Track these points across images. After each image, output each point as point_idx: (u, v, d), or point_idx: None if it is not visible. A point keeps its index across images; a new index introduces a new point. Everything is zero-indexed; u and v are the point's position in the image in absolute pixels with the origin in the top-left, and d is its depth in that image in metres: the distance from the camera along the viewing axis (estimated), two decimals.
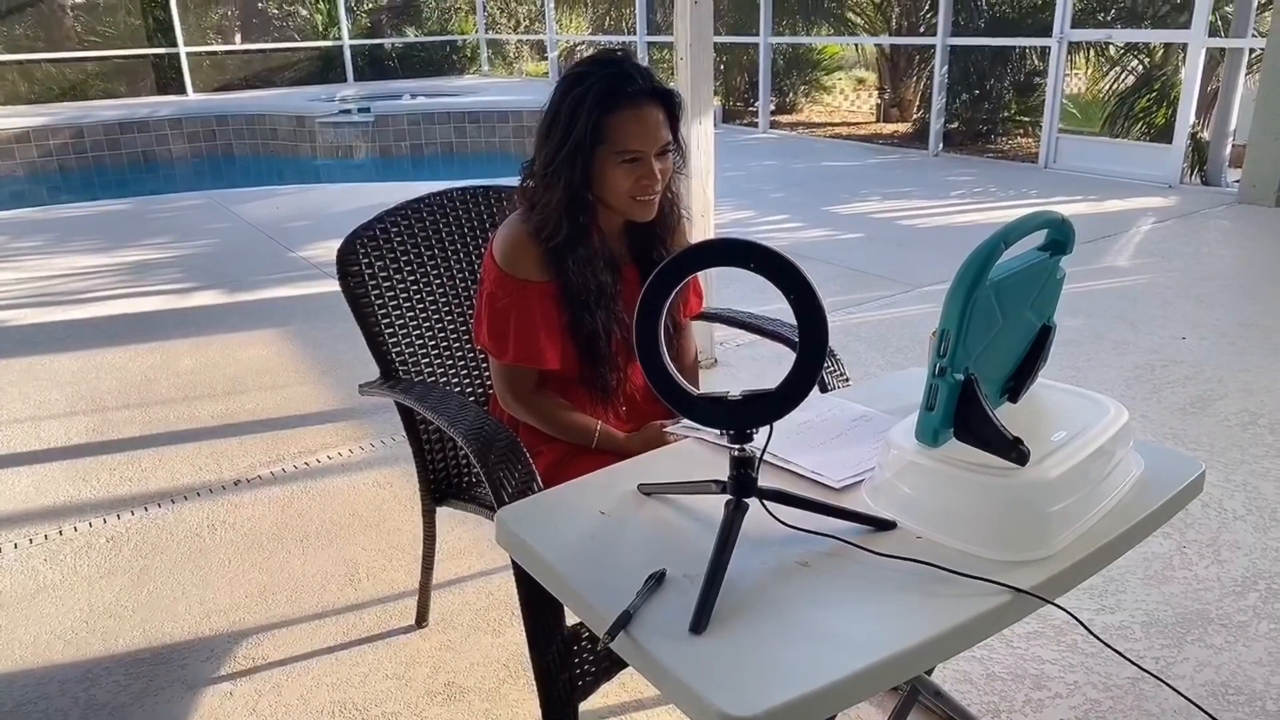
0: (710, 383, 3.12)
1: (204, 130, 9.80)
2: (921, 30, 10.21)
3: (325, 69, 13.19)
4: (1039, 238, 1.07)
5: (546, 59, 13.56)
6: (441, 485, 1.77)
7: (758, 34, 9.43)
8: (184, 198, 6.85)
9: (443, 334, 1.74)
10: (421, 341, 1.71)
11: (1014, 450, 0.95)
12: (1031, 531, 0.97)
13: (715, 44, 3.23)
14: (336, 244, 1.65)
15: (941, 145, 8.07)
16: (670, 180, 1.50)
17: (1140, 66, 8.82)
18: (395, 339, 1.67)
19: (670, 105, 1.44)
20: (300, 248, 5.14)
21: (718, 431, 0.98)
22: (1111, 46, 8.78)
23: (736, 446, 0.96)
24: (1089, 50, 8.89)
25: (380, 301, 1.66)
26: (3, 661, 1.87)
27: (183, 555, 2.23)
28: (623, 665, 1.28)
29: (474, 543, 2.22)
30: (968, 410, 0.96)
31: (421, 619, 1.94)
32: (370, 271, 1.65)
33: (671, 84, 1.62)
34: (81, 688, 1.79)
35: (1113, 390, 3.00)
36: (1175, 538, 2.17)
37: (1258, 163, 5.67)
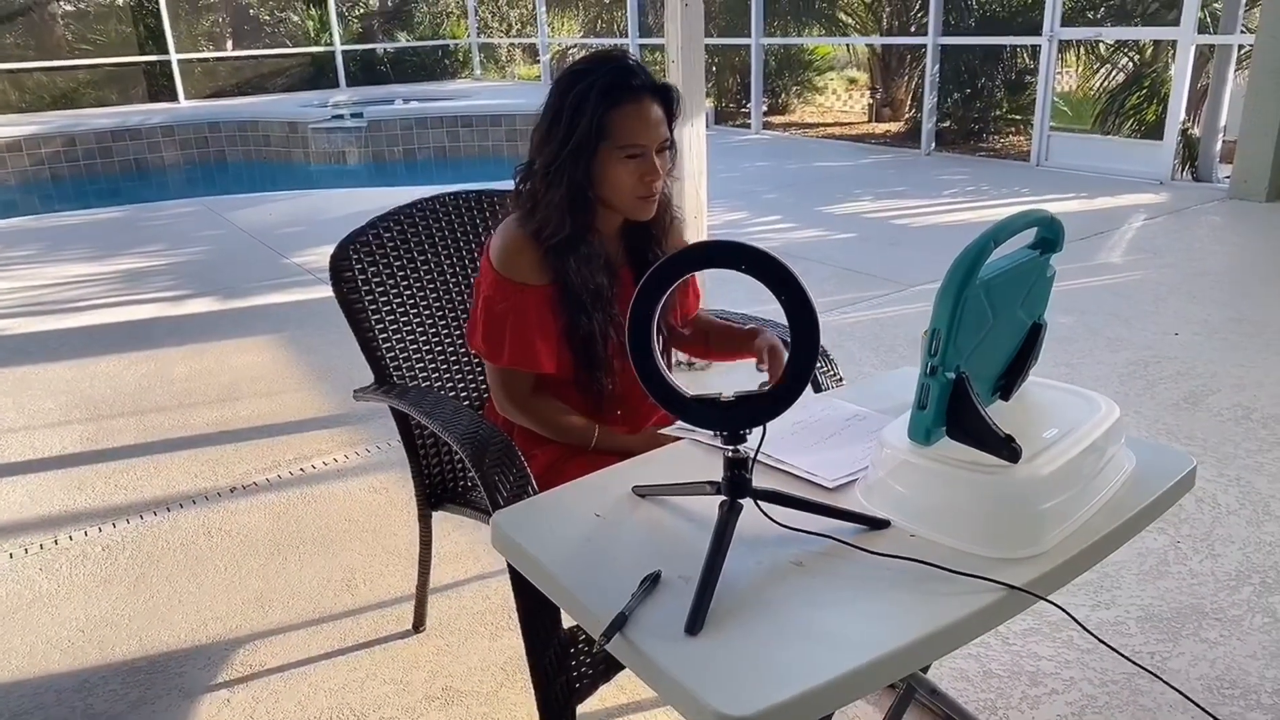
0: (701, 383, 3.12)
1: (196, 137, 9.79)
2: (912, 30, 10.23)
3: (317, 75, 13.19)
4: (1029, 236, 1.07)
5: (539, 62, 13.57)
6: (437, 490, 1.77)
7: (749, 35, 9.44)
8: (177, 205, 6.84)
9: (437, 339, 1.74)
10: (416, 346, 1.71)
11: (1006, 448, 0.95)
12: (1024, 528, 0.97)
13: (707, 46, 3.24)
14: (330, 250, 1.65)
15: (934, 144, 8.09)
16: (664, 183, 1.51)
17: (1130, 64, 8.85)
18: (389, 344, 1.68)
19: (669, 102, 1.45)
20: (294, 254, 5.14)
21: (711, 433, 0.98)
22: (1102, 44, 8.80)
23: (730, 447, 0.97)
24: (1079, 48, 8.92)
25: (374, 307, 1.66)
26: None
27: (179, 563, 2.22)
28: (620, 667, 1.29)
29: (470, 547, 2.22)
30: (960, 408, 0.96)
31: (418, 624, 1.94)
32: (364, 277, 1.65)
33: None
34: (78, 697, 1.78)
35: (1106, 387, 3.01)
36: (1170, 533, 2.18)
37: (1248, 158, 5.69)
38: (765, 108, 10.15)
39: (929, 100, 7.99)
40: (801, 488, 1.11)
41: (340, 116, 9.82)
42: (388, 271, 1.68)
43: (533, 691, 1.24)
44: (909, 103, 10.53)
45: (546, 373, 1.51)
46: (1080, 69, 9.55)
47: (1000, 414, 1.00)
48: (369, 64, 13.72)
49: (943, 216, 5.76)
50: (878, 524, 1.02)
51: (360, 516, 2.41)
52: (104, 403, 3.19)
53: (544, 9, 12.88)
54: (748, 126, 9.83)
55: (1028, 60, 9.13)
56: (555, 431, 1.53)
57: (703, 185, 3.10)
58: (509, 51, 15.10)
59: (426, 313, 1.73)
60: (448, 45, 14.55)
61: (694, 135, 3.01)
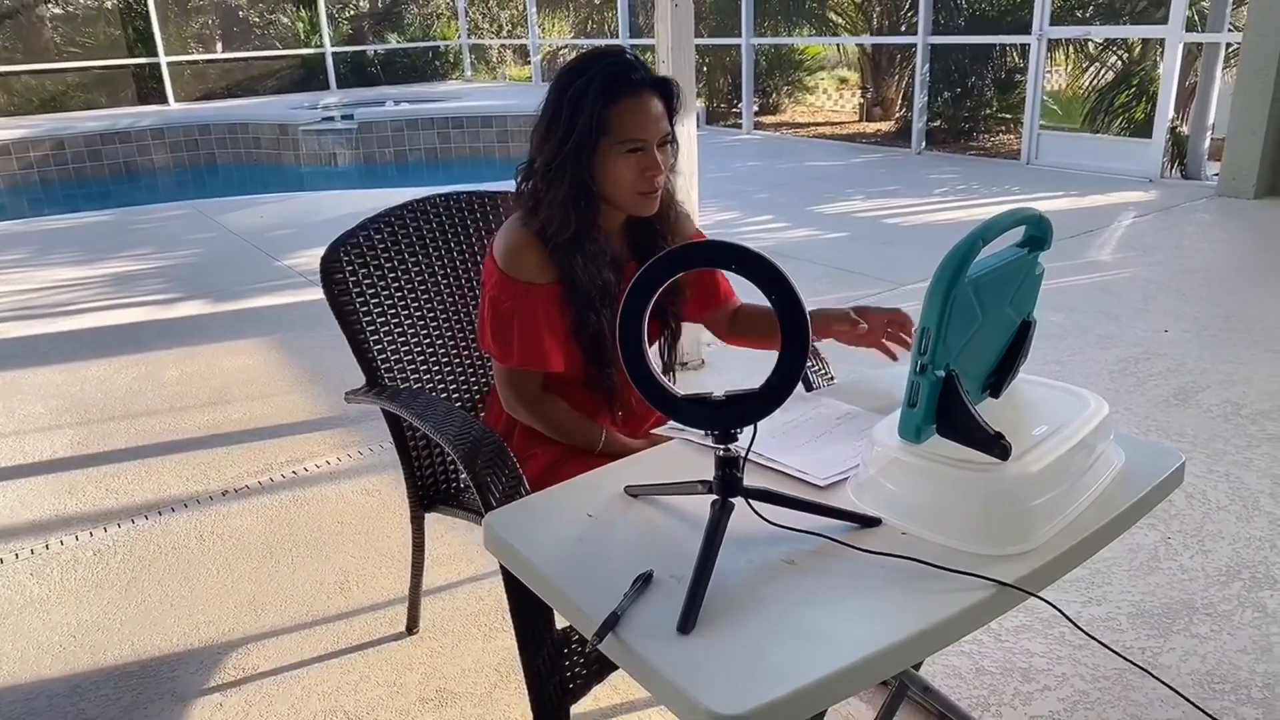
0: (696, 383, 3.13)
1: (186, 140, 9.76)
2: (902, 29, 10.26)
3: (307, 77, 13.16)
4: (1018, 234, 1.08)
5: (529, 63, 13.56)
6: (429, 491, 1.76)
7: (740, 35, 9.46)
8: (167, 208, 6.81)
9: (428, 340, 1.74)
10: (407, 348, 1.71)
11: (996, 445, 0.95)
12: (1014, 525, 0.98)
13: (697, 46, 3.24)
14: (321, 252, 1.65)
15: (924, 143, 8.12)
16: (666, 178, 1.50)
17: (1119, 62, 8.89)
18: (380, 346, 1.67)
19: (669, 97, 1.44)
20: (285, 256, 5.13)
21: (703, 432, 0.98)
22: (1090, 43, 8.84)
23: (721, 446, 0.97)
24: (1068, 46, 8.96)
25: (365, 309, 1.66)
26: None
27: (171, 567, 2.22)
28: (613, 667, 1.29)
29: (463, 548, 2.22)
30: (949, 406, 0.97)
31: (412, 626, 1.94)
32: (355, 279, 1.65)
33: None
34: (70, 702, 1.78)
35: (1096, 384, 3.03)
36: (1160, 529, 2.19)
37: (1236, 156, 5.72)
38: (756, 108, 10.16)
39: (919, 99, 8.01)
40: (793, 486, 1.11)
41: (331, 118, 9.80)
42: (379, 273, 1.68)
43: (526, 692, 1.24)
44: (899, 102, 10.56)
45: (556, 371, 1.50)
46: (1069, 67, 9.60)
47: (990, 411, 1.00)
48: (359, 66, 13.69)
49: (933, 215, 5.77)
50: (869, 522, 1.03)
51: (353, 519, 2.40)
52: (94, 406, 3.18)
53: (534, 10, 12.88)
54: (739, 126, 9.85)
55: (1017, 59, 9.17)
56: (561, 433, 1.53)
57: (694, 185, 3.10)
58: (500, 53, 15.09)
59: (418, 314, 1.73)
60: (438, 47, 14.53)
61: (685, 135, 2.99)
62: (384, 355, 1.68)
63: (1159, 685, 1.69)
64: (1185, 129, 7.00)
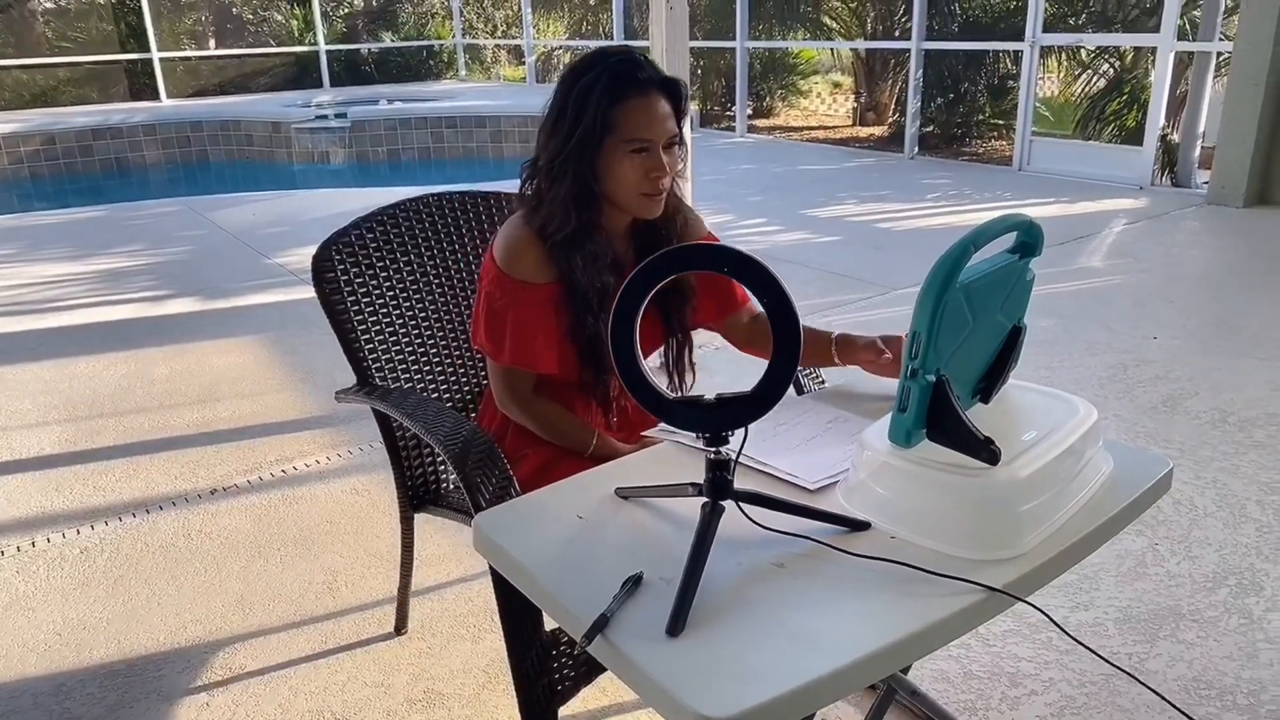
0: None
1: (178, 136, 9.72)
2: (896, 34, 10.30)
3: (301, 74, 13.12)
4: (1009, 240, 1.08)
5: (524, 64, 13.56)
6: (419, 492, 1.76)
7: (734, 38, 9.47)
8: (158, 204, 6.79)
9: (420, 340, 1.74)
10: (399, 347, 1.71)
11: (985, 450, 0.96)
12: (1003, 530, 0.98)
13: (692, 48, 3.24)
14: (313, 250, 1.64)
15: (917, 148, 8.14)
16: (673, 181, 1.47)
17: (1111, 70, 8.94)
18: (371, 345, 1.67)
19: (677, 98, 1.42)
20: (276, 254, 5.11)
21: (694, 434, 0.98)
22: (1083, 50, 8.89)
23: (712, 449, 0.97)
24: (1061, 54, 9.01)
25: (356, 307, 1.65)
26: None
27: (158, 565, 2.21)
28: (601, 669, 1.29)
29: (452, 549, 2.21)
30: (940, 411, 0.97)
31: (400, 626, 1.93)
32: (346, 277, 1.64)
33: None
34: (55, 700, 1.77)
35: (1086, 390, 3.04)
36: (1148, 535, 2.20)
37: (1226, 164, 5.76)
38: (750, 111, 10.18)
39: (912, 104, 8.04)
40: (783, 489, 1.12)
41: (324, 116, 9.78)
42: (370, 272, 1.67)
43: (514, 694, 1.23)
44: (893, 107, 10.60)
45: (547, 373, 1.49)
46: (1062, 75, 9.65)
47: (980, 417, 1.00)
48: (353, 64, 13.66)
49: (925, 220, 5.79)
50: (858, 525, 1.03)
51: (342, 518, 2.40)
52: (83, 404, 3.16)
53: (529, 10, 12.88)
54: (732, 129, 9.86)
55: (1010, 65, 9.21)
56: (554, 434, 1.52)
57: (688, 188, 3.10)
58: (494, 53, 15.08)
59: (409, 314, 1.72)
60: (432, 46, 14.52)
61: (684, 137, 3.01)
62: (375, 354, 1.67)
63: (1145, 691, 1.69)
64: (1176, 137, 7.05)
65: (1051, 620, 1.02)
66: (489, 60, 15.07)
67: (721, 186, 6.81)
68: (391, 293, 1.70)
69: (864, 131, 10.57)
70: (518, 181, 1.50)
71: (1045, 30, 7.11)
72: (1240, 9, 5.69)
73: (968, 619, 0.91)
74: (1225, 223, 5.43)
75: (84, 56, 11.88)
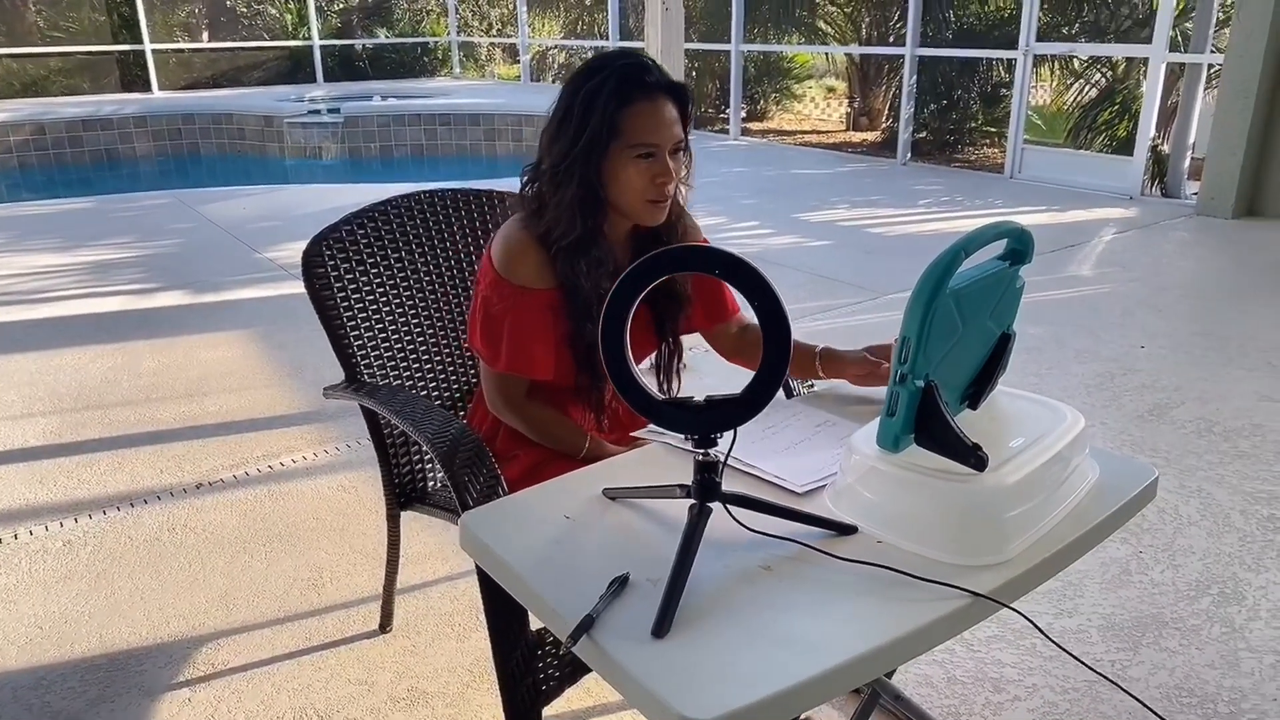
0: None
1: (169, 129, 9.68)
2: (891, 40, 10.34)
3: (294, 69, 13.08)
4: (999, 247, 1.09)
5: (518, 62, 13.54)
6: (406, 490, 1.76)
7: (729, 41, 9.48)
8: (148, 197, 6.75)
9: (409, 337, 1.73)
10: (388, 344, 1.70)
11: (973, 456, 0.96)
12: (989, 536, 0.98)
13: (686, 50, 3.25)
14: (304, 245, 1.63)
15: (909, 154, 8.17)
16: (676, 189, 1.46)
17: (1103, 80, 8.99)
18: (361, 341, 1.66)
19: (684, 102, 1.41)
20: (267, 249, 5.09)
21: (683, 436, 0.98)
22: (1076, 60, 8.94)
23: (700, 451, 0.97)
24: (1054, 63, 9.05)
25: (346, 303, 1.65)
26: None
27: (142, 560, 2.19)
28: (586, 670, 1.28)
29: (439, 547, 2.20)
30: (928, 416, 0.97)
31: (385, 624, 1.93)
32: (336, 273, 1.64)
33: None
34: (35, 694, 1.75)
35: (1073, 398, 3.05)
36: (1132, 543, 2.21)
37: (1215, 176, 5.80)
38: (744, 114, 10.19)
39: (906, 110, 8.07)
40: (771, 492, 1.12)
41: (317, 112, 9.75)
42: (361, 268, 1.67)
43: (499, 693, 1.23)
44: (886, 113, 10.64)
45: (543, 380, 1.48)
46: (1054, 84, 9.70)
47: (968, 423, 1.01)
48: (347, 59, 13.62)
49: (917, 226, 5.81)
50: (845, 529, 1.03)
51: (328, 515, 2.39)
52: (68, 395, 3.14)
53: (525, 9, 12.86)
54: (726, 132, 9.87)
55: (1003, 73, 9.25)
56: (546, 437, 1.51)
57: (689, 194, 3.10)
58: (489, 51, 15.07)
59: (399, 310, 1.72)
60: (427, 43, 14.49)
61: None
62: (364, 351, 1.67)
63: (1127, 698, 1.70)
64: (1166, 148, 7.09)
65: (1035, 626, 1.02)
66: (483, 58, 15.05)
67: (715, 189, 6.81)
68: (382, 289, 1.69)
69: (857, 136, 10.60)
70: (511, 180, 1.49)
71: (1039, 39, 7.15)
72: (1232, 22, 5.73)
73: (952, 624, 0.91)
74: (1214, 234, 5.47)
75: (75, 46, 11.81)
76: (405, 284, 1.73)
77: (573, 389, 1.51)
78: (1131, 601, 2.00)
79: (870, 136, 10.48)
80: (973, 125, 9.67)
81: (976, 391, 1.12)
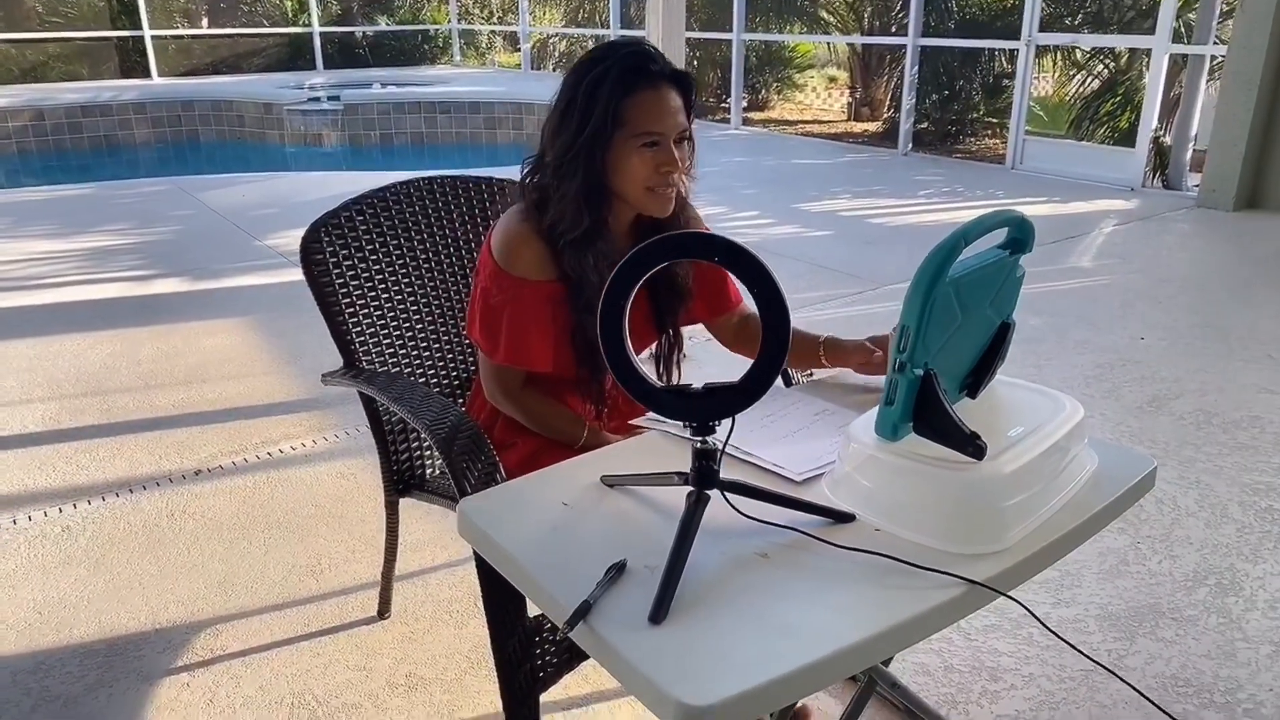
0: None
1: (169, 115, 9.66)
2: (893, 30, 10.30)
3: (294, 56, 13.04)
4: (1000, 236, 1.08)
5: (519, 50, 13.49)
6: (405, 476, 1.76)
7: (731, 30, 9.44)
8: (147, 183, 6.73)
9: (408, 324, 1.73)
10: (386, 331, 1.70)
11: (971, 445, 0.96)
12: (987, 525, 0.98)
13: (688, 39, 3.23)
14: (302, 232, 1.63)
15: (911, 145, 8.15)
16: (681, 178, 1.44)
17: (1105, 71, 8.97)
18: (359, 328, 1.66)
19: (687, 91, 1.39)
20: (266, 236, 5.08)
21: (681, 424, 0.98)
22: (1078, 50, 8.91)
23: (699, 439, 0.97)
24: (1056, 54, 9.02)
25: (345, 290, 1.64)
26: None
27: (140, 545, 2.19)
28: (584, 657, 1.29)
29: (437, 534, 2.21)
30: (927, 405, 0.97)
31: (383, 610, 1.93)
32: (335, 260, 1.63)
33: None
34: (34, 678, 1.76)
35: (1072, 388, 3.05)
36: (1130, 533, 2.22)
37: (1217, 168, 5.78)
38: (745, 103, 10.16)
39: (907, 101, 8.04)
40: (768, 480, 1.12)
41: (317, 99, 9.73)
42: (359, 255, 1.66)
43: (497, 679, 1.23)
44: (887, 103, 10.60)
45: (542, 372, 1.48)
46: (1056, 75, 9.68)
47: (967, 411, 1.01)
48: (347, 47, 13.58)
49: (917, 217, 5.80)
50: (843, 517, 1.03)
51: (327, 502, 2.39)
52: (67, 382, 3.14)
53: None
54: (727, 121, 9.84)
55: (1005, 64, 9.23)
56: (544, 427, 1.51)
57: (692, 184, 3.10)
58: (489, 39, 15.01)
59: (398, 298, 1.71)
60: (428, 30, 14.44)
61: None
62: (362, 338, 1.66)
63: (1124, 687, 1.71)
64: (1168, 139, 7.07)
65: (1033, 615, 1.02)
66: (484, 46, 14.99)
67: (715, 179, 6.80)
68: (380, 276, 1.69)
69: (858, 127, 10.57)
70: (511, 168, 1.48)
71: (1041, 30, 7.12)
72: (1235, 13, 5.71)
73: (949, 612, 0.91)
74: (1215, 226, 5.46)
75: (75, 32, 11.77)
76: (404, 271, 1.72)
77: (574, 380, 1.50)
78: (1129, 591, 2.01)
79: (871, 127, 10.46)
80: (974, 116, 9.65)
81: (975, 380, 1.12)
